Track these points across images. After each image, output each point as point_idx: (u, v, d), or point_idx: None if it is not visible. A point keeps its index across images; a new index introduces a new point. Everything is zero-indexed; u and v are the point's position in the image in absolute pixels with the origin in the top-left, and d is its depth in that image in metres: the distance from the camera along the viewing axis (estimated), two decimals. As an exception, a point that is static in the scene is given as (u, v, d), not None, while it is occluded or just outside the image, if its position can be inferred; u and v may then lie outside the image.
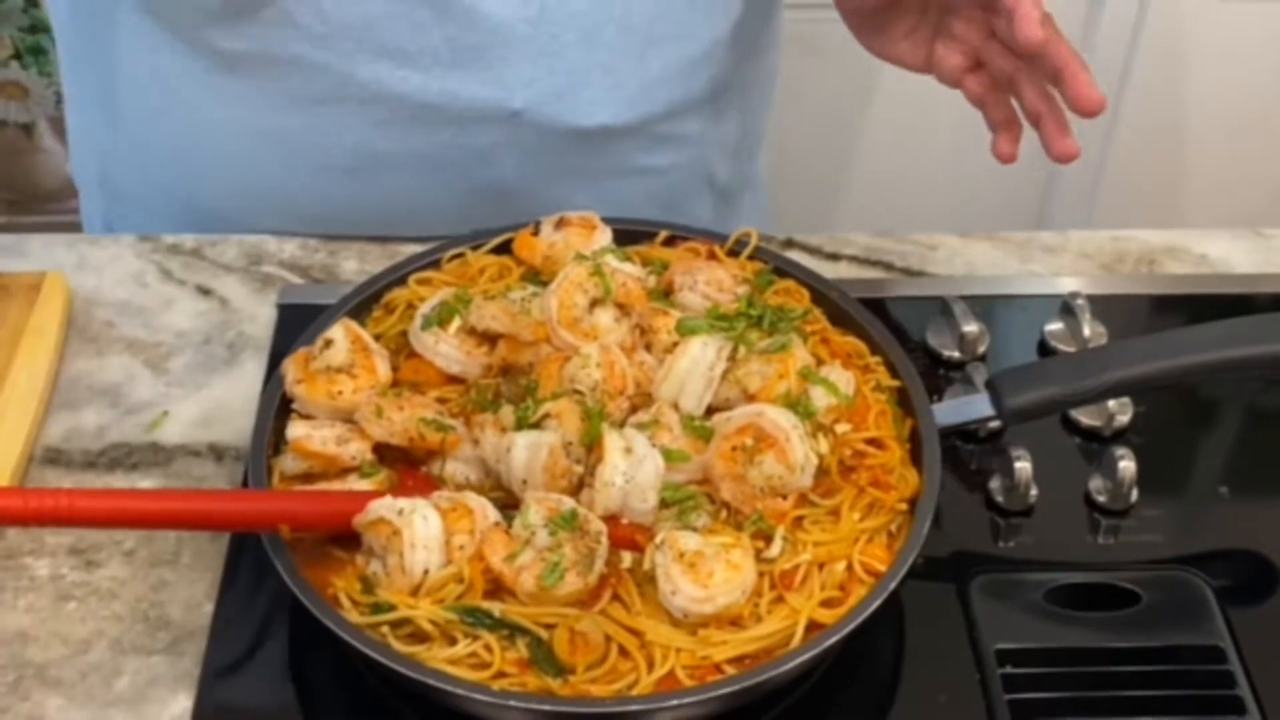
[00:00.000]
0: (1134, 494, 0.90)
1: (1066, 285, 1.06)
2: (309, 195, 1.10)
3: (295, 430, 0.82)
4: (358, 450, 0.81)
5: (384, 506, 0.77)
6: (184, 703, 0.81)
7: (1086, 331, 1.00)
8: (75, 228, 1.24)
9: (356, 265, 1.09)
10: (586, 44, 1.03)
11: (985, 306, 1.03)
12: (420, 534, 0.76)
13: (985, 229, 1.13)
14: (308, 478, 0.82)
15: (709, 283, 0.89)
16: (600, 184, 1.12)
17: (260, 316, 1.04)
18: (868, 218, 1.39)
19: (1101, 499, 0.91)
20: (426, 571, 0.76)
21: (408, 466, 0.82)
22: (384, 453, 0.82)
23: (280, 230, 1.11)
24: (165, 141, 1.11)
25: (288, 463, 0.82)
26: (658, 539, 0.76)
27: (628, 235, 0.96)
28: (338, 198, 1.10)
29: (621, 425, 0.81)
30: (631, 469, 0.77)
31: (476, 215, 1.01)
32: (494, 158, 1.07)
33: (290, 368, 0.86)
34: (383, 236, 1.12)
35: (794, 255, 1.08)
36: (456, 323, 0.86)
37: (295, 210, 1.11)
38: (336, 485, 0.80)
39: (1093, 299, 1.02)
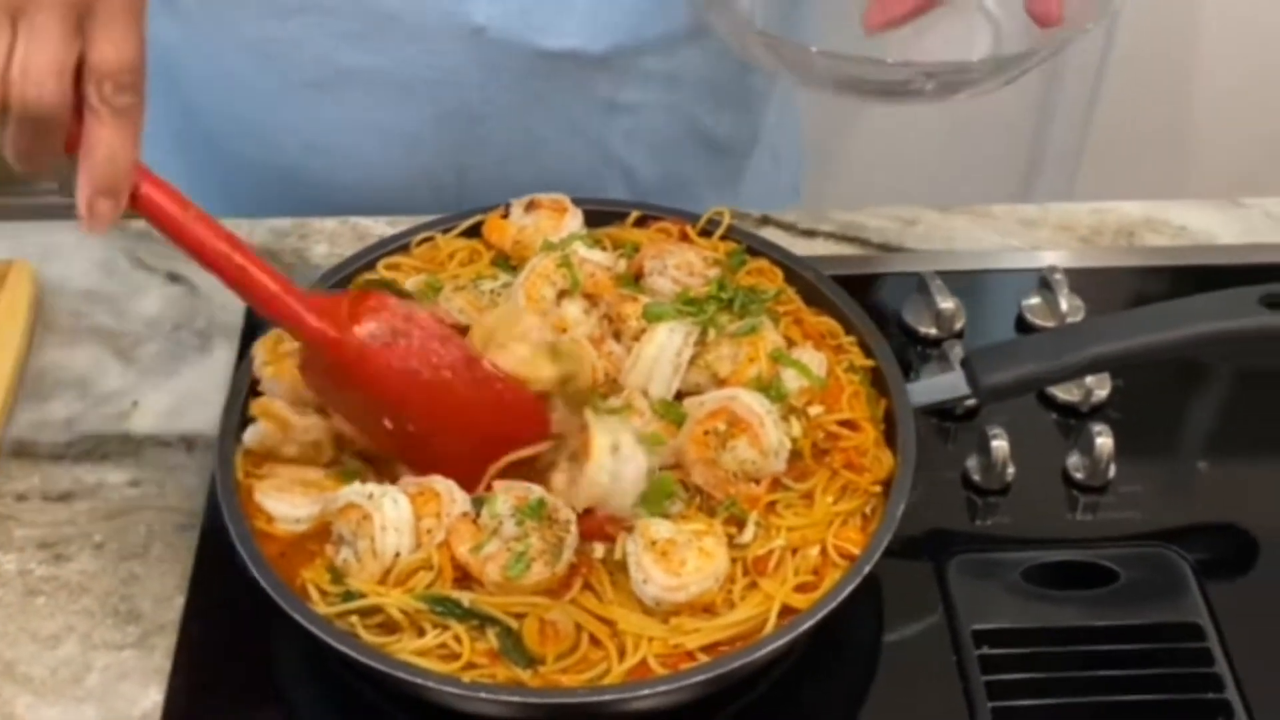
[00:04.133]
0: (1112, 470, 0.90)
1: (1044, 259, 1.05)
2: (286, 114, 1.09)
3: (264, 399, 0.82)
4: (311, 424, 0.80)
5: (353, 492, 0.77)
6: (155, 697, 0.80)
7: (1064, 306, 0.99)
8: (42, 212, 1.22)
9: (327, 249, 1.08)
10: None
11: (963, 282, 1.02)
12: (391, 517, 0.75)
13: (967, 203, 1.12)
14: (259, 461, 0.81)
15: (679, 266, 0.88)
16: (572, 117, 1.09)
17: (231, 303, 1.03)
18: (850, 193, 1.37)
19: (1079, 476, 0.90)
20: (398, 554, 0.75)
21: None
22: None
23: (257, 161, 1.10)
24: (159, 57, 1.09)
25: (247, 434, 0.81)
26: (629, 528, 0.76)
27: (599, 216, 0.95)
28: (309, 117, 1.09)
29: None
30: (618, 467, 0.76)
31: (445, 142, 0.99)
32: (460, 78, 1.05)
33: (260, 350, 0.85)
34: (354, 196, 1.10)
35: (769, 232, 1.07)
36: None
37: (272, 133, 1.10)
38: (294, 474, 0.79)
39: (1070, 273, 1.01)
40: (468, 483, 0.78)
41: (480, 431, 0.77)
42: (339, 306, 0.75)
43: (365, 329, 0.74)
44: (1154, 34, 1.84)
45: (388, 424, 0.77)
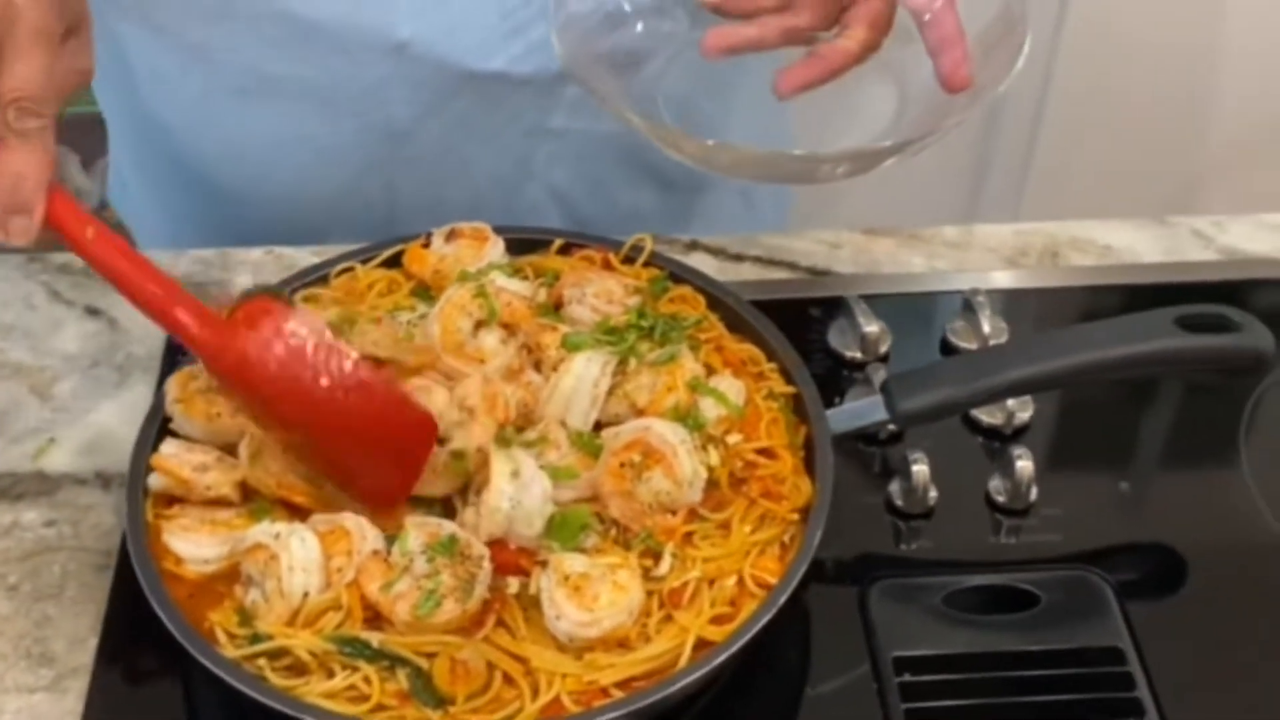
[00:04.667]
0: (1034, 493, 0.90)
1: (969, 282, 1.05)
2: (209, 119, 1.08)
3: (166, 448, 0.80)
4: (213, 481, 0.79)
5: (260, 532, 0.76)
6: (67, 742, 0.79)
7: (986, 329, 0.99)
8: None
9: (251, 280, 1.07)
10: None
11: (887, 306, 1.02)
12: (299, 557, 0.75)
13: (909, 226, 1.12)
14: (170, 501, 0.80)
15: (598, 295, 0.87)
16: (501, 140, 1.08)
17: (150, 337, 1.02)
18: (794, 216, 1.37)
19: (1001, 499, 0.90)
20: (306, 594, 0.74)
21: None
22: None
23: (183, 164, 1.10)
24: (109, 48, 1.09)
25: (151, 479, 0.80)
26: (544, 562, 0.75)
27: (523, 244, 0.95)
28: (233, 124, 1.08)
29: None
30: (518, 493, 0.76)
31: (371, 159, 0.98)
32: (384, 94, 1.04)
33: (172, 385, 0.84)
34: (281, 210, 1.09)
35: (698, 258, 1.07)
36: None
37: (195, 139, 1.10)
38: (202, 514, 0.78)
39: (993, 295, 1.01)
40: (383, 499, 0.78)
41: (368, 439, 0.77)
42: (226, 315, 0.75)
43: (247, 336, 0.74)
44: (1097, 54, 1.85)
45: (285, 433, 0.77)
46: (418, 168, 1.06)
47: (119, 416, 0.96)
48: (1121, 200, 1.94)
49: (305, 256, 1.08)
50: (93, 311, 1.04)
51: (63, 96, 0.73)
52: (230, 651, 0.73)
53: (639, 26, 0.99)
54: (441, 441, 0.78)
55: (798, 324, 0.99)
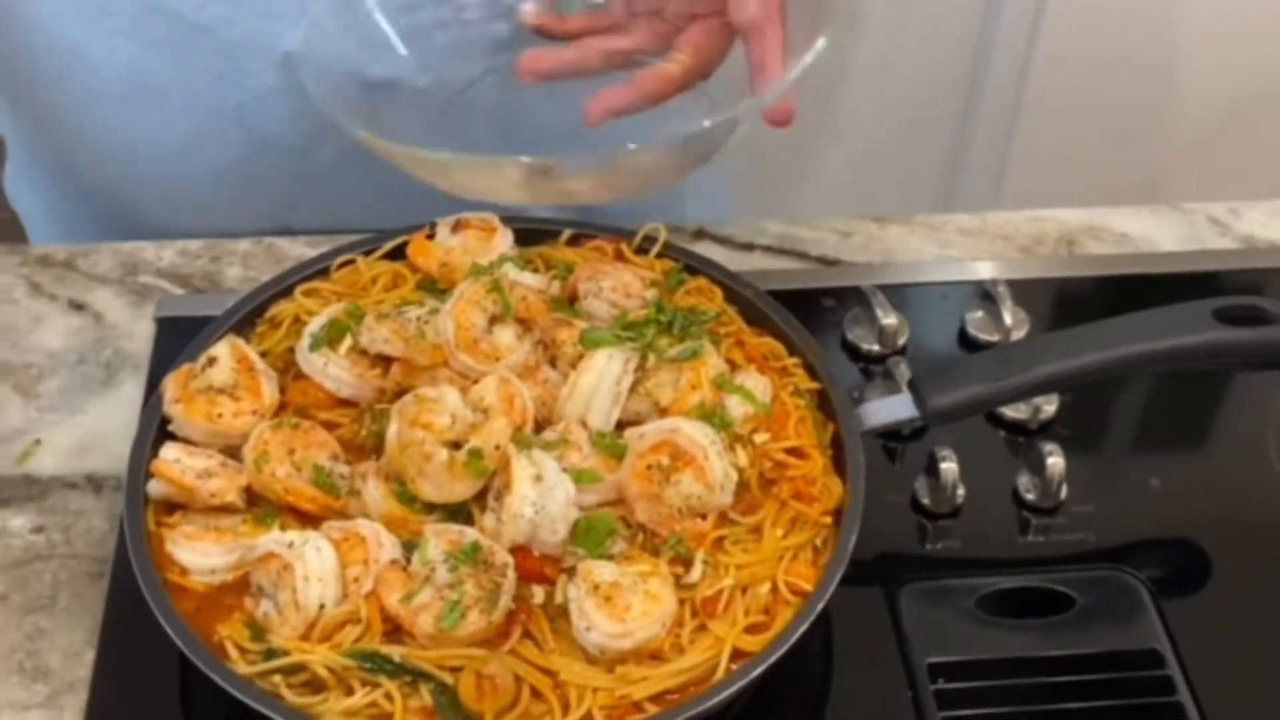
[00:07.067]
0: (1063, 490, 0.87)
1: (985, 270, 1.02)
2: (93, 124, 1.03)
3: (167, 453, 0.76)
4: (218, 488, 0.75)
5: (273, 540, 0.72)
6: (64, 763, 0.75)
7: (1008, 319, 0.96)
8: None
9: (240, 272, 1.03)
10: None
11: (903, 296, 0.99)
12: (314, 566, 0.71)
13: (890, 212, 1.09)
14: (170, 508, 0.76)
15: (615, 288, 0.84)
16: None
17: (138, 332, 0.98)
18: (771, 203, 1.34)
19: (1030, 496, 0.88)
20: (323, 606, 0.71)
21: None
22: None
23: (70, 167, 1.06)
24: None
25: (150, 486, 0.76)
26: (571, 571, 0.72)
27: (530, 235, 0.91)
28: (117, 129, 1.03)
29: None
30: (541, 498, 0.72)
31: (253, 172, 0.94)
32: (270, 105, 0.99)
33: (170, 385, 0.80)
34: (169, 219, 1.05)
35: (704, 247, 1.03)
36: (348, 342, 0.80)
37: (73, 146, 1.05)
38: (206, 521, 0.74)
39: (1013, 284, 0.99)
40: None
41: None
42: None
43: None
44: (1076, 36, 1.83)
45: None
46: (313, 184, 1.01)
47: (109, 416, 0.92)
48: (1101, 186, 1.93)
49: (297, 248, 1.04)
50: (77, 306, 1.00)
51: None
52: (243, 668, 0.69)
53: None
54: (457, 445, 0.74)
55: (811, 316, 0.96)
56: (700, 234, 1.07)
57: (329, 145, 1.01)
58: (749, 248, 1.06)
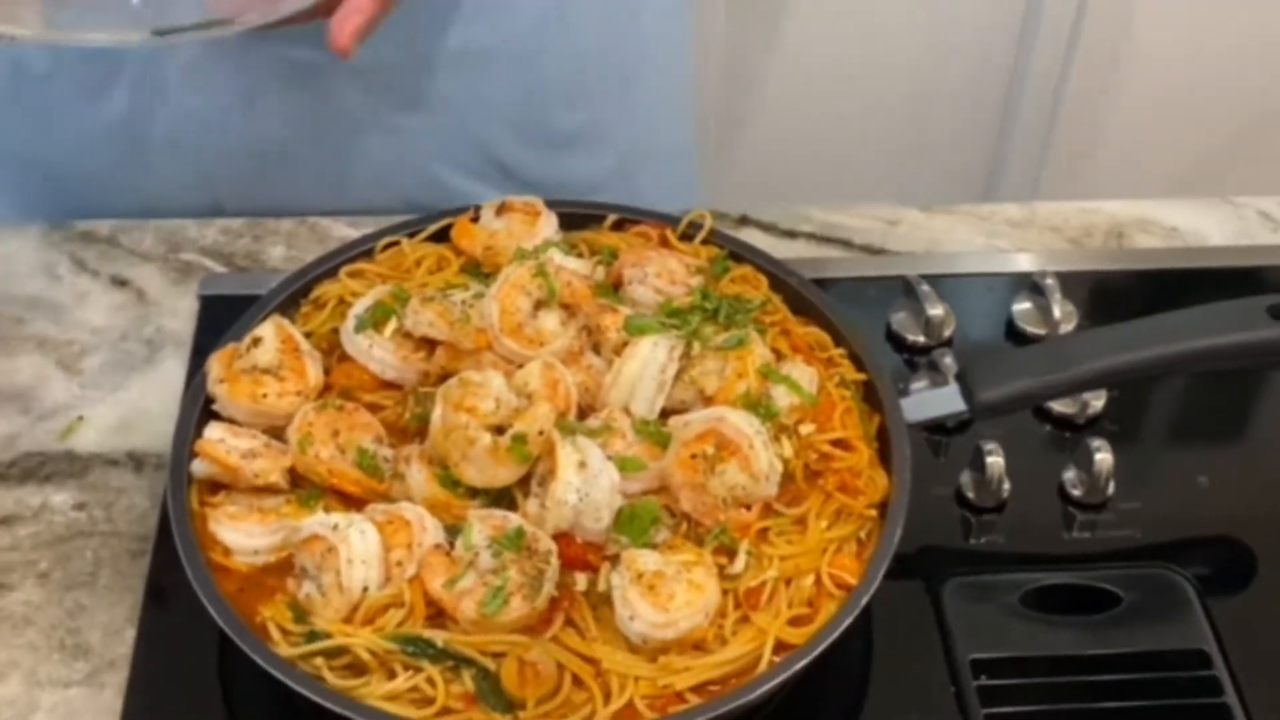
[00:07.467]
0: (1110, 487, 0.86)
1: (1033, 262, 1.01)
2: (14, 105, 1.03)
3: (212, 432, 0.76)
4: (262, 469, 0.74)
5: (317, 523, 0.72)
6: (105, 740, 0.75)
7: (1057, 313, 0.95)
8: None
9: (284, 251, 1.03)
10: None
11: (949, 286, 0.98)
12: (358, 549, 0.71)
13: (931, 201, 1.08)
14: (214, 488, 0.76)
15: (660, 274, 0.83)
16: (328, 135, 1.02)
17: (181, 310, 0.98)
18: (808, 190, 1.33)
19: (1076, 492, 0.87)
20: (366, 589, 0.70)
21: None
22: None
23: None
24: None
25: (194, 465, 0.76)
26: (615, 558, 0.71)
27: (574, 219, 0.90)
28: (36, 112, 1.02)
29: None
30: (586, 484, 0.72)
31: (184, 148, 0.94)
32: (201, 79, 0.98)
33: (214, 364, 0.80)
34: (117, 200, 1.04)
35: (748, 233, 1.03)
36: (393, 324, 0.80)
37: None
38: (250, 501, 0.74)
39: (1061, 276, 0.97)
40: None
41: None
42: None
43: None
44: (1118, 28, 1.82)
45: None
46: (237, 163, 1.00)
47: (151, 393, 0.92)
48: (1144, 177, 1.92)
49: (340, 228, 1.04)
50: (120, 282, 1.00)
51: None
52: (285, 650, 0.69)
53: None
54: (501, 430, 0.74)
55: (856, 305, 0.95)
56: (744, 221, 1.06)
57: (253, 119, 0.99)
58: (792, 235, 1.05)
